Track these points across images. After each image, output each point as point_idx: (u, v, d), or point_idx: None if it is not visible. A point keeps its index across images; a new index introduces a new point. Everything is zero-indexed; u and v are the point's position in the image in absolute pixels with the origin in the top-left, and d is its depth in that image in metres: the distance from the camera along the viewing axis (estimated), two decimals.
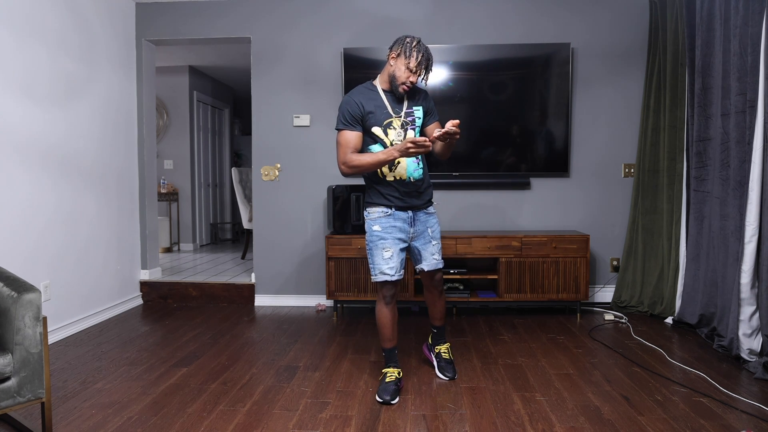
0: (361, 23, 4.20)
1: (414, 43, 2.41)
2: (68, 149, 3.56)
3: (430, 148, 2.29)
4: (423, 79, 2.47)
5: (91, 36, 3.80)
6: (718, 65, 3.16)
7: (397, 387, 2.52)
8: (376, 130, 2.48)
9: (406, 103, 2.54)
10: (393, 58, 2.45)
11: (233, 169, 6.02)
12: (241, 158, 8.67)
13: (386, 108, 2.49)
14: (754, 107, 2.81)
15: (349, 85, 4.11)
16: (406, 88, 2.45)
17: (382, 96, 2.51)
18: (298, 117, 4.27)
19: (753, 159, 2.81)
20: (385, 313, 2.56)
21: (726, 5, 3.05)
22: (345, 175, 2.47)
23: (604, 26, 4.12)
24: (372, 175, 2.54)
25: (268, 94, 4.29)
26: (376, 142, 2.51)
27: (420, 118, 2.57)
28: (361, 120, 2.47)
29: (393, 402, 2.45)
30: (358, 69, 4.11)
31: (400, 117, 2.51)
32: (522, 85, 4.12)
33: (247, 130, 8.65)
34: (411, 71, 2.41)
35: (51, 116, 3.40)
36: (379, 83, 2.54)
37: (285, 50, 4.27)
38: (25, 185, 3.19)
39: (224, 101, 7.73)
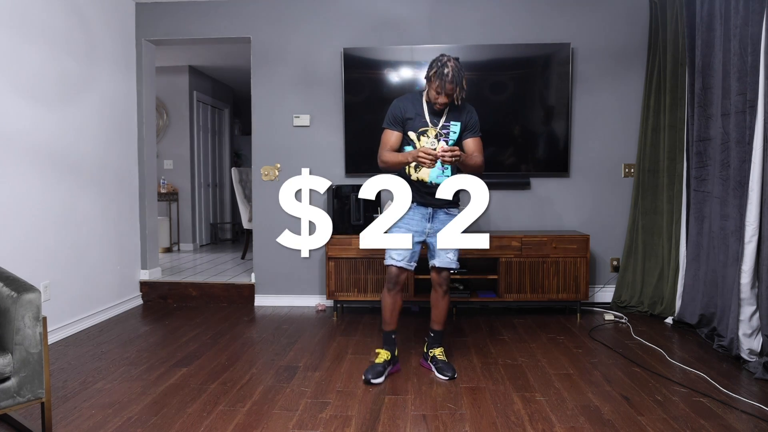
0: (361, 23, 4.20)
1: (439, 67, 2.53)
2: (68, 149, 3.56)
3: (435, 165, 2.47)
4: (456, 97, 2.57)
5: (91, 36, 3.80)
6: (718, 65, 3.16)
7: (384, 369, 2.67)
8: (411, 134, 2.70)
9: (444, 117, 2.69)
10: (428, 79, 2.61)
11: (233, 169, 6.02)
12: (241, 158, 8.66)
13: (425, 117, 2.69)
14: (754, 107, 2.81)
15: (349, 85, 4.11)
16: (438, 107, 2.63)
17: (424, 106, 2.70)
18: (298, 117, 4.26)
19: (753, 159, 2.81)
20: (386, 299, 2.77)
21: (726, 5, 3.05)
22: (380, 169, 2.67)
23: (604, 26, 4.12)
24: (401, 172, 2.71)
25: (268, 94, 4.29)
26: (410, 144, 2.70)
27: (455, 133, 2.71)
28: (402, 123, 2.69)
29: (374, 382, 2.60)
30: (359, 69, 4.11)
31: (436, 128, 2.67)
32: (522, 86, 4.11)
33: (247, 130, 8.64)
34: (437, 93, 2.57)
35: (51, 116, 3.40)
36: (425, 94, 2.70)
37: (285, 50, 4.26)
38: (25, 185, 3.19)
39: (224, 101, 7.73)
